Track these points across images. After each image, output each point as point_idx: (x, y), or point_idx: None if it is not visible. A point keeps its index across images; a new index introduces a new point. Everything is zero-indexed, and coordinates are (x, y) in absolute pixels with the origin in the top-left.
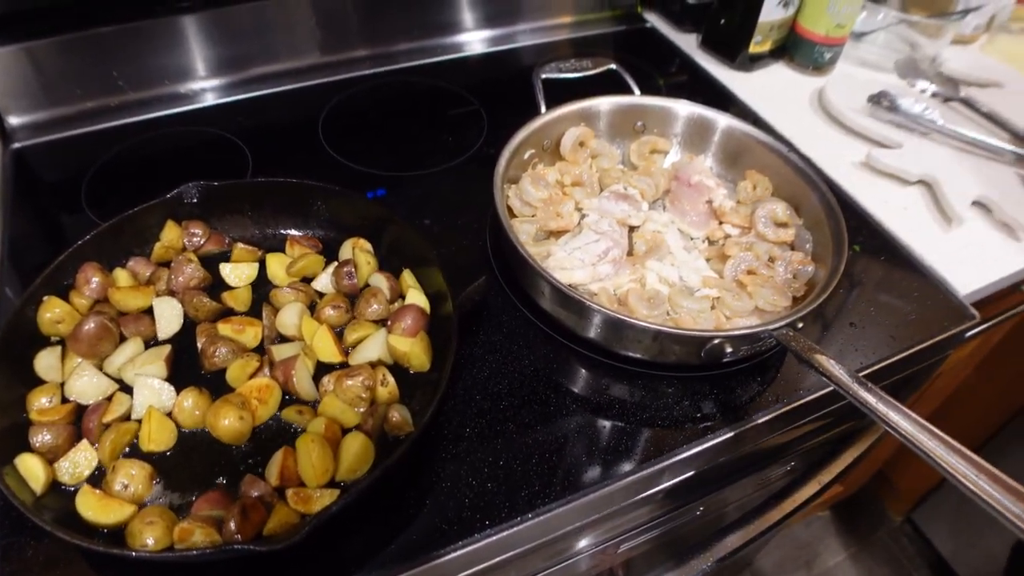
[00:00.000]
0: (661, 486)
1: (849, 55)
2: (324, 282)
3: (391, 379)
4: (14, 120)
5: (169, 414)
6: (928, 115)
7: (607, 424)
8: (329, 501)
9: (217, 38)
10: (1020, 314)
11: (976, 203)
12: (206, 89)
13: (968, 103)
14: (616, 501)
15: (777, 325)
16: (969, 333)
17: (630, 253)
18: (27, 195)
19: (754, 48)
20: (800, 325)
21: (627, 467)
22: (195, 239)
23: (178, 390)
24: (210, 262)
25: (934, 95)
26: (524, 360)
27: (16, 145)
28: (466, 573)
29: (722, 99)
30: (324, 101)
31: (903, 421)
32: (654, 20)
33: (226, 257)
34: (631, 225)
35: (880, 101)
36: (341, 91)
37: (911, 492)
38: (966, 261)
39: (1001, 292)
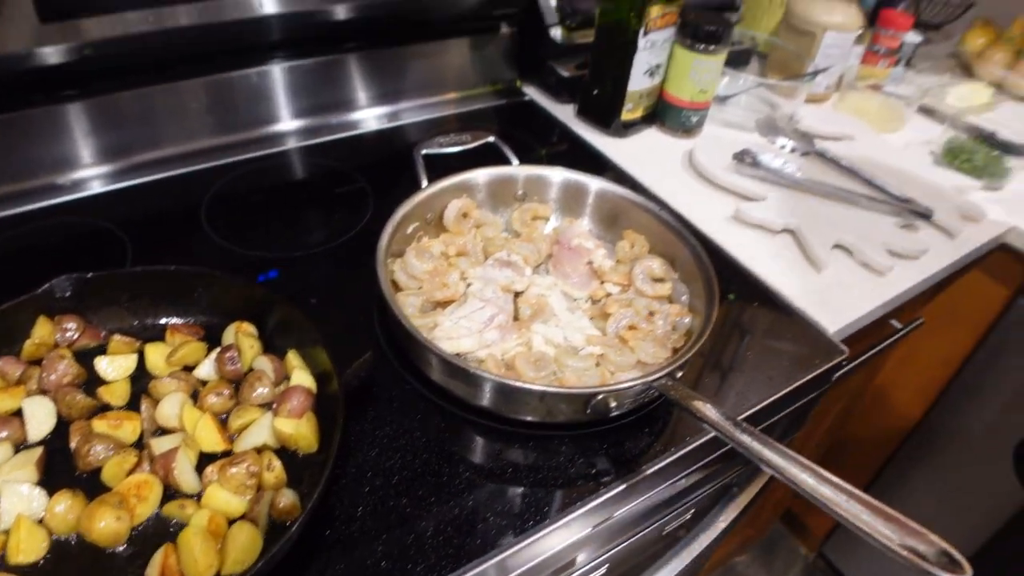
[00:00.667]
0: (559, 547)
1: (715, 117)
2: (207, 369)
3: (278, 463)
4: None
5: (41, 521)
6: (787, 169)
7: (502, 489)
8: None
9: (99, 126)
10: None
11: (838, 246)
12: (86, 179)
13: (823, 155)
14: (514, 567)
15: (655, 376)
16: (844, 369)
17: (516, 318)
18: None
19: (626, 115)
20: (679, 374)
21: (524, 530)
22: (68, 334)
23: (51, 494)
24: (85, 357)
25: (793, 150)
26: (416, 433)
27: None
28: None
29: (599, 164)
30: (209, 185)
31: (772, 455)
32: (533, 93)
33: (103, 351)
34: (516, 291)
35: (743, 158)
36: (226, 174)
37: (819, 527)
38: (833, 301)
39: (871, 326)
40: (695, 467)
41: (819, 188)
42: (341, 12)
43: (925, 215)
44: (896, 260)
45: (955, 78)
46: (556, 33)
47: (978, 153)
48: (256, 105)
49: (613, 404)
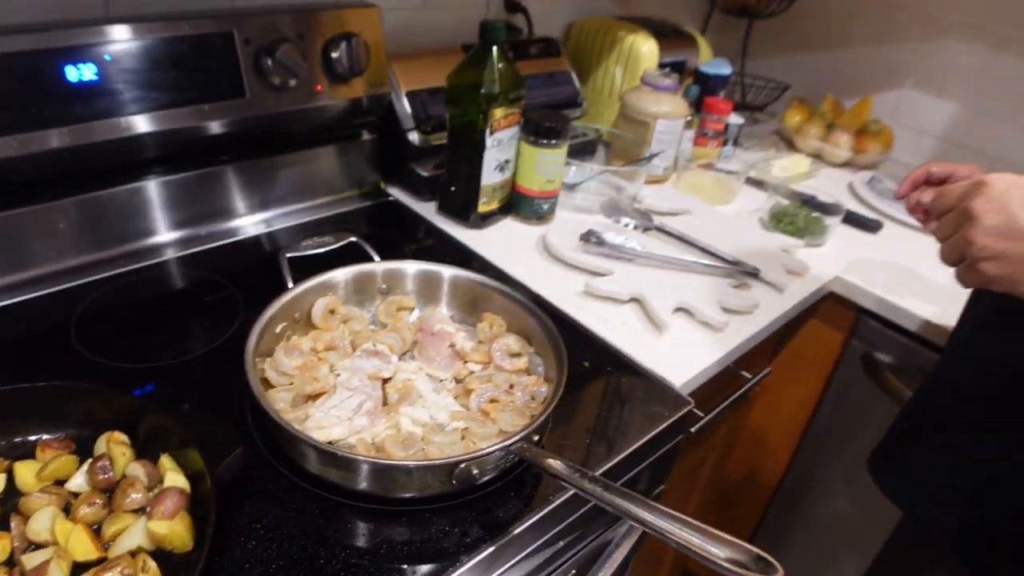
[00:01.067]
0: None
1: (566, 203)
2: (79, 481)
3: (152, 564)
4: None
5: None
6: (629, 244)
7: (378, 566)
8: None
9: None
10: (755, 393)
11: (679, 309)
12: None
13: (662, 229)
14: None
15: (510, 441)
16: (703, 420)
17: (385, 403)
18: None
19: (482, 208)
20: (536, 438)
21: None
22: None
23: None
24: None
25: (635, 227)
26: (292, 522)
27: None
28: None
29: (463, 255)
30: (80, 302)
31: (613, 497)
32: (396, 193)
33: None
34: (383, 377)
35: (589, 238)
36: (99, 289)
37: None
38: (678, 358)
39: (721, 378)
40: (564, 524)
41: (659, 259)
42: (213, 128)
43: (753, 273)
44: (731, 316)
45: (779, 152)
46: (413, 137)
47: (799, 216)
48: (129, 220)
49: (476, 471)
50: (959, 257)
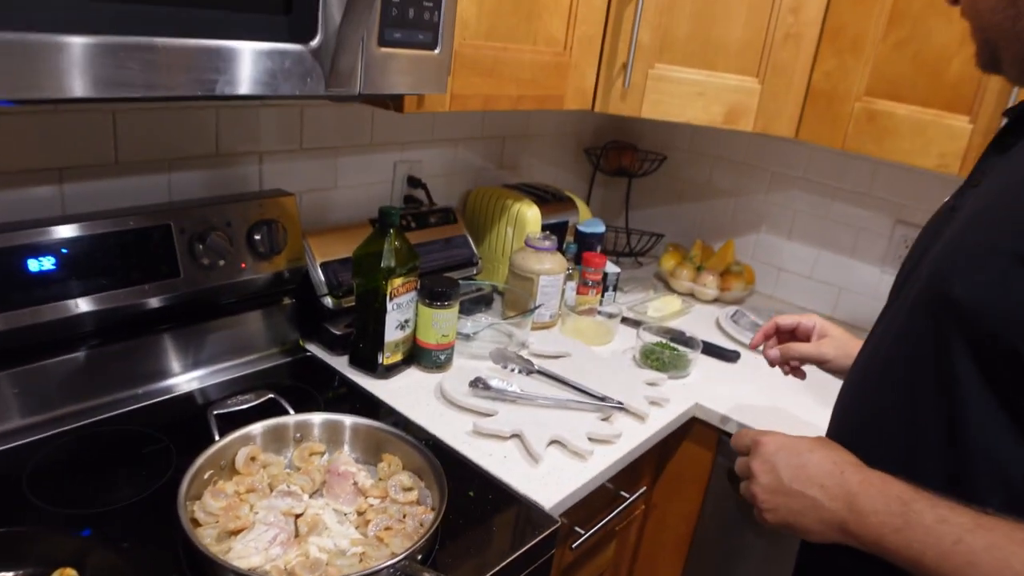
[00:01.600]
0: None
1: (463, 351)
2: None
3: None
4: None
5: None
6: (511, 388)
7: None
8: None
9: None
10: (638, 511)
11: (553, 442)
12: None
13: (543, 372)
14: None
15: (395, 560)
16: (584, 536)
17: (296, 535)
18: None
19: (387, 361)
20: (419, 557)
21: None
22: None
23: None
24: None
25: (520, 371)
26: None
27: None
28: None
29: (370, 403)
30: (30, 458)
31: None
32: (314, 349)
33: None
34: (296, 513)
35: (477, 384)
36: (47, 446)
37: None
38: (550, 484)
39: (597, 499)
40: None
41: (537, 400)
42: (152, 303)
43: (618, 406)
44: (596, 445)
45: (657, 293)
46: (327, 301)
47: (664, 352)
48: (73, 385)
49: None
50: (751, 501)
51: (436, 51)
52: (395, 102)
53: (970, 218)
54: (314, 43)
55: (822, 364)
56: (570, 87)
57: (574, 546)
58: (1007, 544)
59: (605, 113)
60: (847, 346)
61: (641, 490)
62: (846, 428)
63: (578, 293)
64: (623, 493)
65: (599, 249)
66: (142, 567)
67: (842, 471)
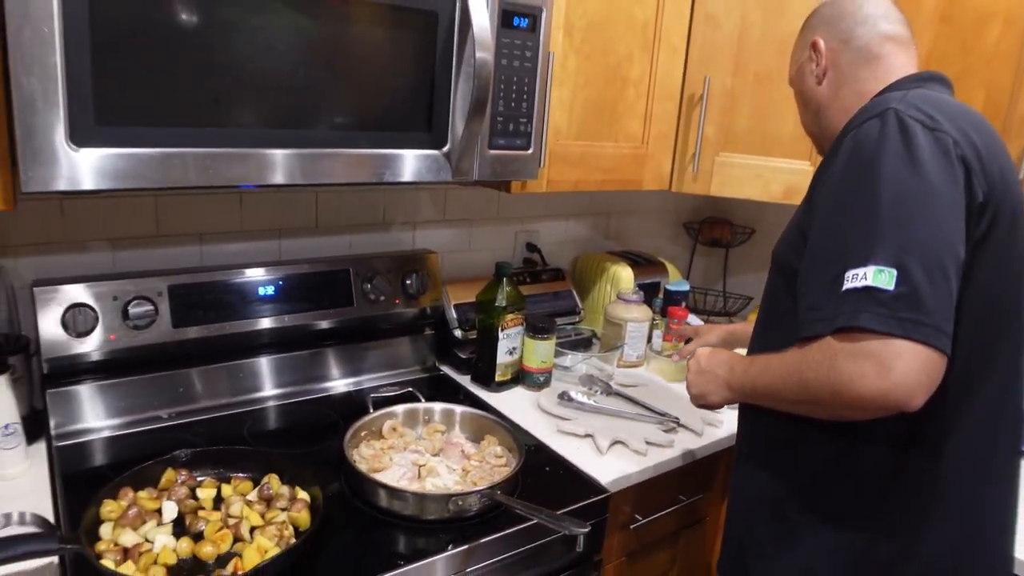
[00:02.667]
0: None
1: (562, 378)
2: (252, 496)
3: (291, 528)
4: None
5: (174, 549)
6: (589, 401)
7: (403, 556)
8: None
9: (187, 393)
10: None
11: (616, 442)
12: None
13: (619, 394)
14: None
15: (477, 489)
16: (640, 522)
17: (419, 477)
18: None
19: (499, 378)
20: (499, 492)
21: (413, 562)
22: (181, 477)
23: (178, 539)
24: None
25: (600, 392)
26: (363, 532)
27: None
28: None
29: (484, 407)
30: (248, 420)
31: (526, 510)
32: (446, 369)
33: (198, 486)
34: (419, 464)
35: (563, 397)
36: (260, 413)
37: None
38: (609, 470)
39: (656, 492)
40: (523, 548)
41: (608, 410)
42: (333, 324)
43: (675, 421)
44: (652, 448)
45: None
46: (457, 332)
47: None
48: (273, 376)
49: (461, 503)
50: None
51: (530, 151)
52: (505, 186)
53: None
54: (445, 149)
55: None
56: (648, 173)
57: (633, 527)
58: (784, 355)
59: (693, 193)
60: (721, 327)
61: (698, 496)
62: (752, 342)
63: (664, 340)
64: (681, 496)
65: (683, 304)
66: (317, 479)
67: (731, 358)
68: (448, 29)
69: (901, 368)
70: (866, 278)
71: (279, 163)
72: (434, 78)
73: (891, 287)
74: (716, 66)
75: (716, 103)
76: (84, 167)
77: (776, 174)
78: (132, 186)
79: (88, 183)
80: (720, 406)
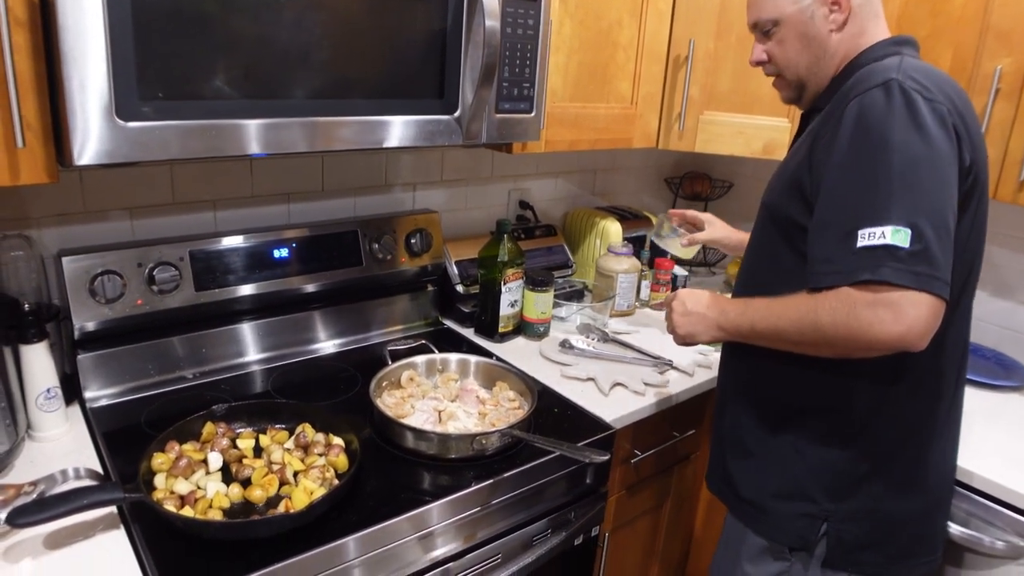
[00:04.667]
0: (456, 517)
1: (559, 328)
2: (289, 444)
3: (331, 471)
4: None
5: (225, 494)
6: (588, 348)
7: (429, 494)
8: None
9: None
10: (684, 454)
11: (616, 384)
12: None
13: (614, 340)
14: (432, 518)
15: (502, 428)
16: (639, 457)
17: (440, 421)
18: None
19: (502, 329)
20: (516, 432)
21: (440, 497)
22: (220, 429)
23: (227, 484)
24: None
25: (597, 339)
26: (393, 472)
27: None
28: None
29: (490, 356)
30: (273, 374)
31: (543, 441)
32: (449, 323)
33: (238, 436)
34: (439, 410)
35: (565, 344)
36: (285, 367)
37: None
38: (613, 409)
39: (652, 430)
40: (539, 482)
41: (606, 356)
42: (344, 282)
43: (668, 363)
44: (649, 388)
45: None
46: (459, 288)
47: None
48: (298, 333)
49: (484, 442)
50: (670, 326)
51: (532, 114)
52: (507, 147)
53: (780, 166)
54: (456, 114)
55: (718, 242)
56: (636, 132)
57: (633, 461)
58: (786, 299)
59: (679, 150)
60: (727, 228)
61: (690, 432)
62: (740, 285)
63: (652, 291)
64: (674, 433)
65: (668, 256)
66: (350, 425)
67: (717, 299)
68: (458, 0)
69: (914, 315)
70: (884, 236)
71: (304, 131)
72: (445, 47)
73: (906, 245)
74: (700, 29)
75: (700, 64)
76: (130, 140)
77: (757, 131)
78: (174, 156)
79: (135, 155)
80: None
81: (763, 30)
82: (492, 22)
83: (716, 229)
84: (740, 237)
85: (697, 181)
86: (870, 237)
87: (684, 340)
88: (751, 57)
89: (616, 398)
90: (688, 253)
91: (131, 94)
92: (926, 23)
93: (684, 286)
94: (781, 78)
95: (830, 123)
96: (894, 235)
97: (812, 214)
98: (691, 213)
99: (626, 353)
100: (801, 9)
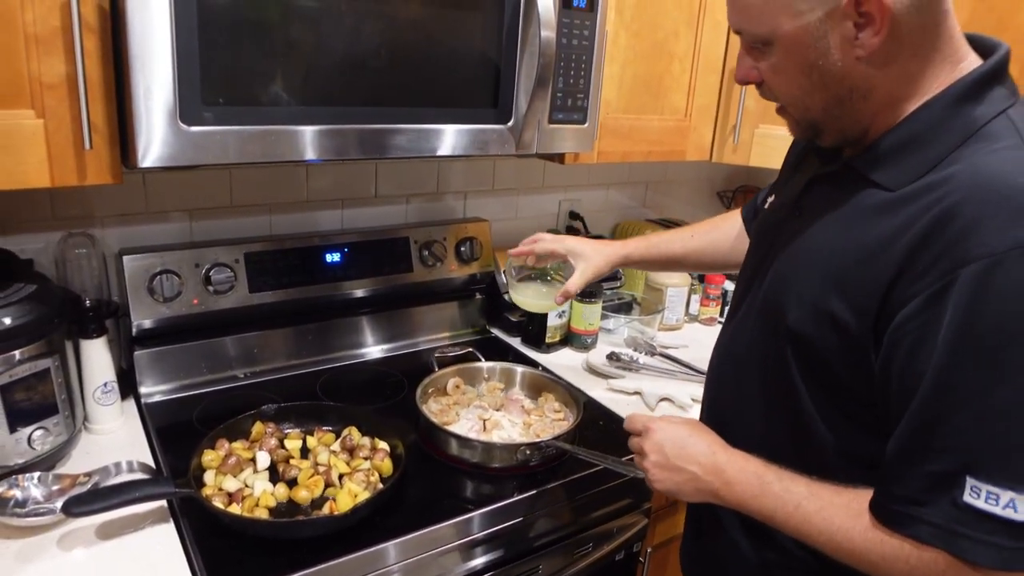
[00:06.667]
0: (500, 526)
1: (606, 340)
2: (335, 447)
3: (376, 475)
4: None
5: (272, 494)
6: (636, 361)
7: (471, 503)
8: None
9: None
10: None
11: (664, 399)
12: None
13: (662, 354)
14: (473, 527)
15: (542, 439)
16: None
17: (484, 430)
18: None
19: (549, 340)
20: (561, 443)
21: (483, 505)
22: (269, 429)
23: (274, 484)
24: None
25: (645, 352)
26: (436, 478)
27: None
28: None
29: (536, 366)
30: (320, 377)
31: (583, 453)
32: (496, 332)
33: (285, 437)
34: (484, 419)
35: (612, 357)
36: (327, 373)
37: None
38: None
39: None
40: (582, 495)
41: (653, 369)
42: (395, 288)
43: None
44: (696, 403)
45: None
46: (507, 297)
47: None
48: (344, 337)
49: (528, 452)
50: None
51: (585, 125)
52: (559, 158)
53: (798, 253)
54: (510, 124)
55: (600, 272)
56: (690, 144)
57: None
58: (830, 507)
59: (732, 163)
60: (601, 248)
61: None
62: (715, 415)
63: (702, 305)
64: None
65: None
66: (395, 431)
67: (713, 452)
68: (514, 10)
69: None
70: (999, 503)
71: (359, 138)
72: (500, 57)
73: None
74: None
75: None
76: (193, 144)
77: None
78: (233, 161)
79: (197, 158)
80: None
81: (749, 43)
82: (548, 32)
83: (588, 260)
84: (641, 253)
85: (750, 195)
86: (981, 497)
87: (658, 492)
88: (736, 72)
89: (662, 412)
90: (552, 308)
91: (195, 99)
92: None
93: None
94: (784, 110)
95: (934, 243)
96: (1020, 505)
97: (859, 361)
98: (542, 246)
99: (674, 367)
100: (806, 27)
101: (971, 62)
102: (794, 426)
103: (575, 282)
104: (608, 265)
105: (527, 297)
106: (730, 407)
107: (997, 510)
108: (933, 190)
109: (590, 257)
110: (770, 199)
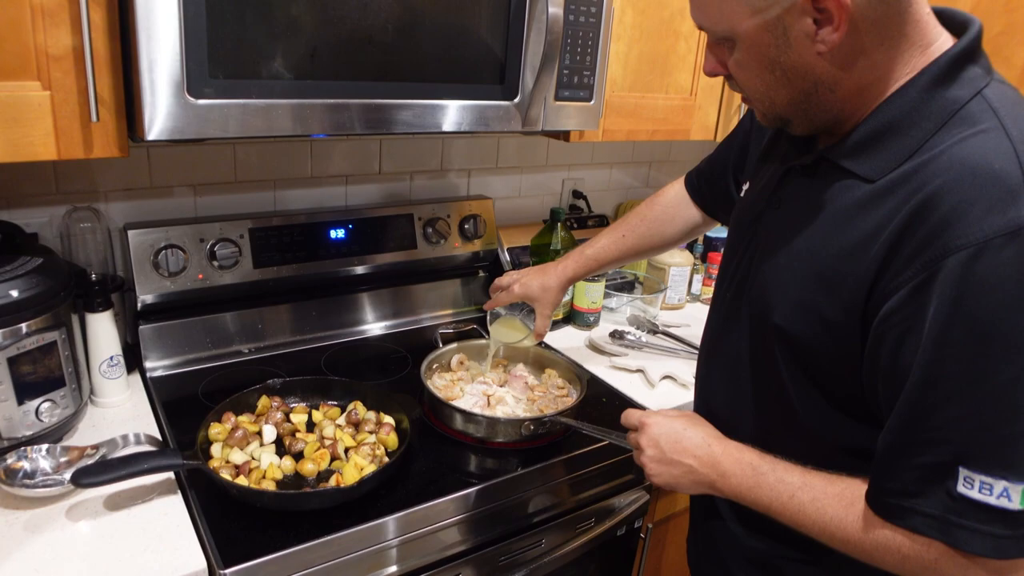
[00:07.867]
0: (504, 500)
1: (608, 319)
2: (341, 421)
3: (381, 449)
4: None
5: (278, 466)
6: (638, 340)
7: (475, 477)
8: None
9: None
10: None
11: (666, 376)
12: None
13: (663, 332)
14: (472, 501)
15: (545, 415)
16: None
17: (488, 405)
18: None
19: (553, 318)
20: (564, 419)
21: (485, 480)
22: (275, 403)
23: (280, 457)
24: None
25: (647, 331)
26: (440, 453)
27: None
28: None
29: (540, 344)
30: (325, 353)
31: (581, 425)
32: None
33: (291, 411)
34: (488, 394)
35: (615, 335)
36: (335, 348)
37: None
38: (661, 401)
39: None
40: (585, 470)
41: (655, 348)
42: (398, 264)
43: None
44: None
45: None
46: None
47: None
48: (348, 313)
49: (532, 428)
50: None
51: (591, 102)
52: (564, 135)
53: (781, 251)
54: (516, 100)
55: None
56: (695, 123)
57: None
58: (824, 496)
59: None
60: (554, 275)
61: None
62: (710, 407)
63: (704, 284)
64: None
65: (722, 249)
66: (401, 405)
67: (709, 444)
68: None
69: None
70: (993, 493)
71: (366, 113)
72: (508, 33)
73: (1022, 506)
74: None
75: None
76: (199, 117)
77: None
78: (239, 135)
79: (203, 132)
80: None
81: (713, 40)
82: (555, 9)
83: (540, 300)
84: (581, 271)
85: None
86: (974, 487)
87: (656, 485)
88: (704, 66)
89: (664, 390)
90: (531, 342)
91: (201, 72)
92: (1000, 18)
93: None
94: (750, 101)
95: (917, 229)
96: (1018, 497)
97: (842, 346)
98: (505, 297)
99: (676, 346)
100: (765, 24)
101: (943, 43)
102: (787, 422)
103: (540, 324)
104: (560, 292)
105: (505, 338)
106: (721, 405)
107: (991, 500)
108: (912, 179)
109: (540, 297)
110: (744, 187)
